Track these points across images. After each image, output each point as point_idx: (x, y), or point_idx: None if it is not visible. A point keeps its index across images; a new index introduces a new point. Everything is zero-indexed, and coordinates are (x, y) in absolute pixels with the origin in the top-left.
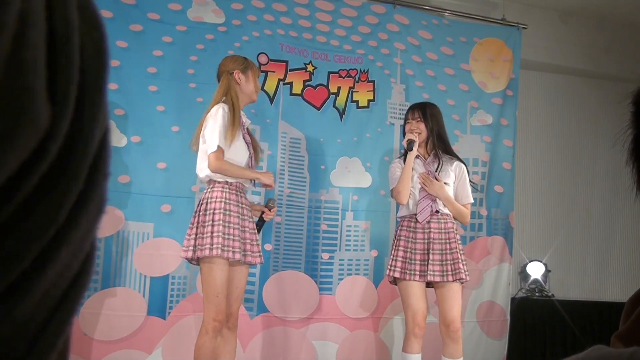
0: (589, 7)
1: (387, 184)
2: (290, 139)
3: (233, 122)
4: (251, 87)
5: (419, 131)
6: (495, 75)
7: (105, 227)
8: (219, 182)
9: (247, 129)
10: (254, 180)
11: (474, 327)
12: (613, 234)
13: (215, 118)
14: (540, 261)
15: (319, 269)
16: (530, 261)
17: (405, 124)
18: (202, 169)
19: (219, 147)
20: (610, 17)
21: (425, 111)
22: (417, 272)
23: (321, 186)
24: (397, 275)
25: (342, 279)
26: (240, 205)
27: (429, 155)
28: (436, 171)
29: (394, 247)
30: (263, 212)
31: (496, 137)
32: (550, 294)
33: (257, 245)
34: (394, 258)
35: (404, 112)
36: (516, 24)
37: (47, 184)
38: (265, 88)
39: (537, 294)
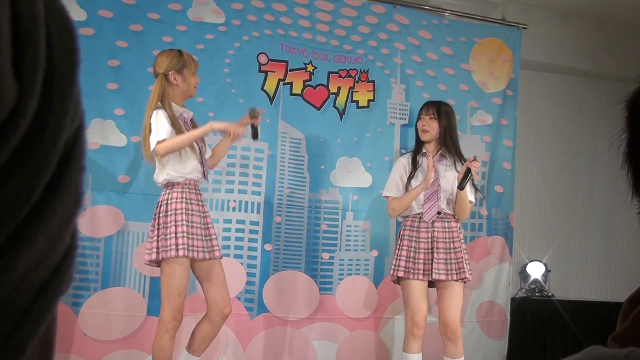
0: (589, 7)
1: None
2: (290, 139)
3: (173, 125)
4: (188, 85)
5: (429, 129)
6: (495, 75)
7: (105, 227)
8: (178, 183)
9: (192, 120)
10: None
11: (474, 327)
12: (613, 234)
13: (157, 123)
14: (540, 261)
15: (319, 269)
16: (530, 261)
17: (418, 119)
18: (158, 173)
19: (162, 139)
20: (610, 17)
21: (440, 109)
22: (421, 272)
23: (321, 186)
24: (400, 274)
25: (342, 279)
26: (200, 203)
27: (436, 153)
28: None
29: (398, 246)
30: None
31: (496, 137)
32: (550, 294)
33: (215, 239)
34: (398, 257)
35: (404, 112)
36: (516, 24)
37: (18, 160)
38: (265, 88)
39: (537, 294)
